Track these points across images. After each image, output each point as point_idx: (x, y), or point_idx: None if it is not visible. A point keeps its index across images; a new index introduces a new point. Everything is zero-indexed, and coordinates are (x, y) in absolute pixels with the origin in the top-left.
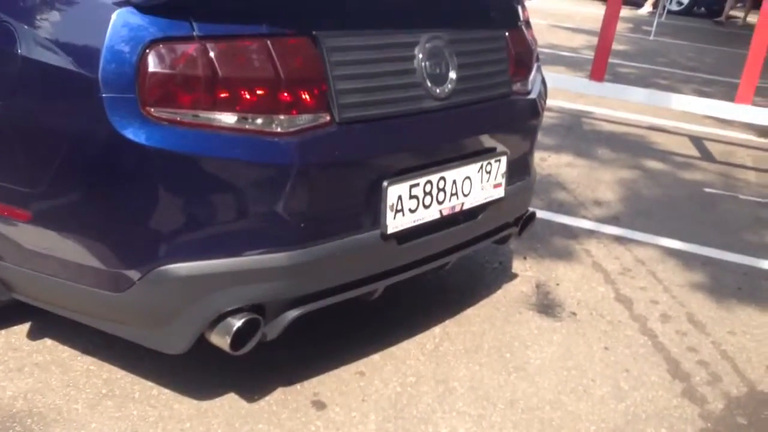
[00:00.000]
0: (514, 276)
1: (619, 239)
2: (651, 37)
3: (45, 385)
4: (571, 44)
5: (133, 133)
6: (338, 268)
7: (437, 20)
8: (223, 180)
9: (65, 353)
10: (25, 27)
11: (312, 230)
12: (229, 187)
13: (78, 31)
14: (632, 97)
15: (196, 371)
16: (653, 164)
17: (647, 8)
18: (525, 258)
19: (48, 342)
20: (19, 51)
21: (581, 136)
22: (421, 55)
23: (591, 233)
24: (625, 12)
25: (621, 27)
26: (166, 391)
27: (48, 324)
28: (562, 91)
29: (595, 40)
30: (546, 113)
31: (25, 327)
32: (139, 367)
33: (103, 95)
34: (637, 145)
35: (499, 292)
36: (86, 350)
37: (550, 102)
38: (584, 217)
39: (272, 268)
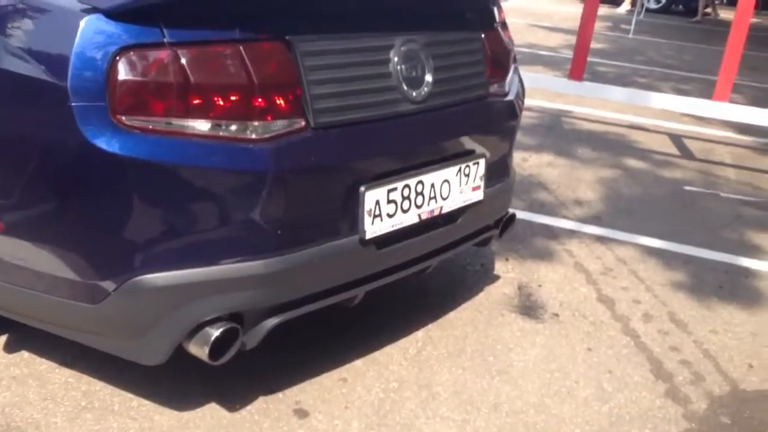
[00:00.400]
0: (497, 278)
1: (601, 239)
2: (630, 36)
3: (22, 399)
4: (549, 43)
5: (104, 142)
6: (317, 275)
7: (412, 23)
8: (197, 188)
9: (43, 366)
10: None
11: (289, 237)
12: (204, 195)
13: (47, 39)
14: (611, 96)
15: (177, 382)
16: (633, 163)
17: (626, 6)
18: (507, 260)
19: (25, 354)
20: None
21: (561, 135)
22: (396, 59)
23: (572, 233)
24: (604, 10)
25: (599, 25)
26: (147, 402)
27: (25, 336)
28: (542, 90)
29: (573, 39)
30: (526, 113)
31: (2, 339)
32: (118, 378)
33: (73, 104)
34: (617, 144)
35: (482, 294)
36: (64, 362)
37: (530, 102)
38: (565, 217)
39: (249, 276)
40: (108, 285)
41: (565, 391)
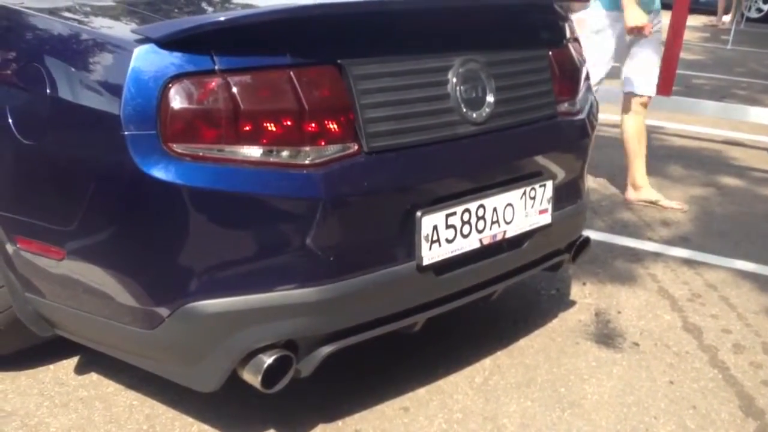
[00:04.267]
0: (572, 303)
1: (689, 262)
2: (728, 47)
3: (87, 422)
4: None
5: (156, 170)
6: (372, 303)
7: (473, 42)
8: (249, 215)
9: (110, 388)
10: (52, 68)
11: (343, 264)
12: (257, 222)
13: (101, 70)
14: (702, 111)
15: (237, 407)
16: (728, 180)
17: (724, 17)
18: (584, 284)
19: (94, 376)
20: (48, 91)
21: (651, 152)
22: (455, 80)
23: (657, 256)
24: (702, 19)
25: (696, 36)
26: (206, 427)
27: (95, 358)
28: None
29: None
30: (612, 130)
31: (74, 361)
32: (180, 402)
33: (125, 133)
34: (712, 161)
35: (555, 321)
36: (130, 385)
37: (617, 118)
38: (650, 239)
39: (303, 303)
40: (163, 311)
41: (643, 427)
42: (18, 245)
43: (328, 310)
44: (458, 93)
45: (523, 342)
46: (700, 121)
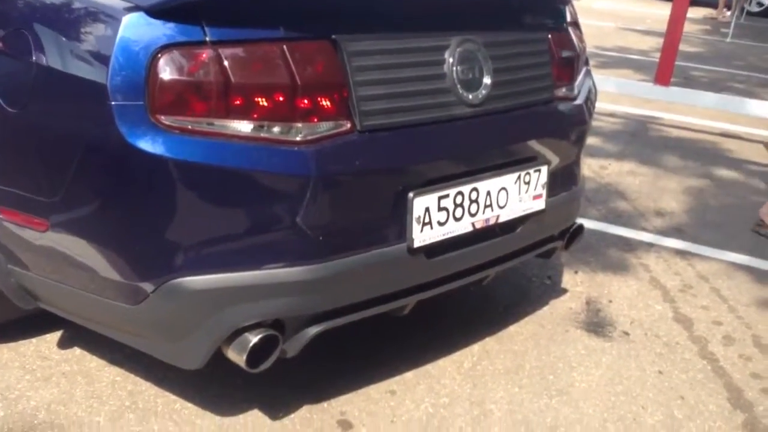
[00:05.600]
0: (563, 291)
1: (681, 253)
2: (728, 39)
3: (69, 396)
4: (640, 47)
5: (143, 142)
6: (361, 283)
7: (471, 22)
8: (238, 191)
9: (93, 363)
10: (40, 35)
11: (333, 243)
12: (245, 198)
13: (89, 38)
14: (701, 102)
15: (221, 385)
16: (724, 172)
17: (723, 11)
18: (576, 272)
19: (77, 351)
20: (34, 59)
21: (646, 142)
22: (451, 60)
23: (650, 246)
24: (701, 12)
25: (696, 28)
26: (189, 405)
27: (79, 332)
28: (628, 95)
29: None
30: (609, 119)
31: (57, 335)
32: (164, 379)
33: (112, 103)
34: (708, 153)
35: (546, 308)
36: (114, 360)
37: (615, 107)
38: (644, 228)
39: (290, 282)
40: (147, 286)
41: (631, 417)
42: (1, 216)
43: (317, 290)
44: (455, 73)
45: (513, 328)
46: (697, 113)
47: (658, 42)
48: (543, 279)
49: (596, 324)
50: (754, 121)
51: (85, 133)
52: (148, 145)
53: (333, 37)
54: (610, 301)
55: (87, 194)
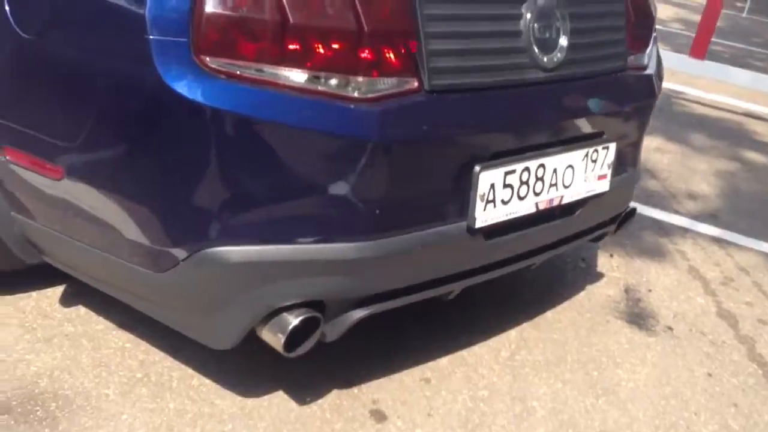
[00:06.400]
0: (600, 276)
1: (718, 241)
2: (744, 14)
3: (74, 363)
4: (659, 15)
5: (184, 86)
6: (415, 265)
7: None
8: (286, 151)
9: (99, 325)
10: None
11: (388, 219)
12: (293, 161)
13: None
14: (735, 79)
15: (245, 362)
16: (753, 156)
17: None
18: (612, 256)
19: (82, 311)
20: None
21: (672, 117)
22: (529, 15)
23: (685, 231)
24: None
25: None
26: (208, 382)
27: (84, 290)
28: None
29: (684, 12)
30: None
31: (59, 291)
32: (180, 350)
33: (150, 37)
34: (734, 133)
35: (582, 294)
36: (123, 324)
37: None
38: (677, 212)
39: (338, 260)
40: (177, 252)
41: (684, 424)
42: (6, 156)
43: (367, 271)
44: (531, 31)
45: (550, 314)
46: (720, 89)
47: (676, 12)
48: (577, 261)
49: (638, 315)
50: None
51: (114, 70)
52: (188, 89)
53: None
54: (650, 291)
55: (113, 141)
